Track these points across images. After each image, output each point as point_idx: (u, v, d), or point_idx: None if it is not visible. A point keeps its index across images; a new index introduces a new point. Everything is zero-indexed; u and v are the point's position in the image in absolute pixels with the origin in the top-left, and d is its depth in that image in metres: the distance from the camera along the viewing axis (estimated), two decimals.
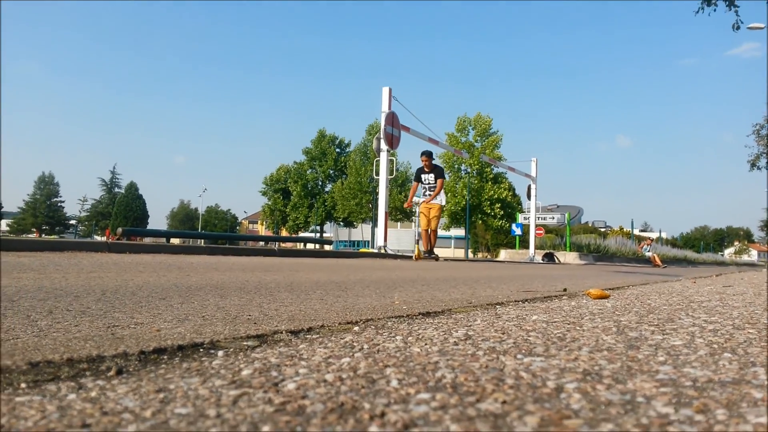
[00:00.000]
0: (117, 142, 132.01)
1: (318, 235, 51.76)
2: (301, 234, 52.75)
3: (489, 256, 37.83)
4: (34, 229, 67.53)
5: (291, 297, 2.86)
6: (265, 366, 0.96)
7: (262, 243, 28.48)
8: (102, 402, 0.74)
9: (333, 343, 1.17)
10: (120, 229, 7.73)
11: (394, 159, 15.72)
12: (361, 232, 55.27)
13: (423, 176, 12.57)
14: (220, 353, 1.02)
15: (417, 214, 12.43)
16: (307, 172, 53.77)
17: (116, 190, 75.10)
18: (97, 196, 76.84)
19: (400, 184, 44.18)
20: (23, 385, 0.76)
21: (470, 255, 38.05)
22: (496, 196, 40.63)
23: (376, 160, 14.66)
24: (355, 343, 1.19)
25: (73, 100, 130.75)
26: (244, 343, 1.09)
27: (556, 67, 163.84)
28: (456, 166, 41.86)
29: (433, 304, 1.93)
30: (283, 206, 55.72)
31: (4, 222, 69.07)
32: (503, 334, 1.43)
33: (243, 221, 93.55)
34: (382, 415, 0.71)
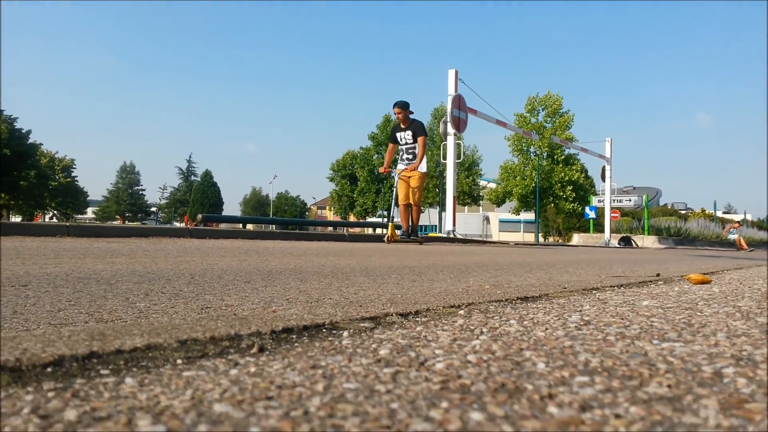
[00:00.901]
0: (192, 132, 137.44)
1: (386, 220, 52.10)
2: (369, 219, 53.26)
3: (561, 241, 36.90)
4: (118, 216, 71.53)
5: (368, 281, 2.90)
6: (398, 347, 0.97)
7: (330, 228, 28.99)
8: (269, 377, 0.77)
9: (449, 326, 1.17)
10: (200, 216, 8.10)
11: (461, 143, 15.54)
12: (428, 216, 55.18)
13: (399, 135, 9.51)
14: (345, 333, 1.05)
15: (395, 184, 9.58)
16: (374, 158, 54.03)
17: (192, 178, 78.29)
18: (175, 184, 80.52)
19: (467, 168, 43.68)
20: (179, 361, 0.81)
21: (541, 239, 37.23)
22: (567, 178, 39.44)
23: (443, 144, 14.55)
24: (471, 327, 1.19)
25: (150, 91, 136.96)
26: (361, 325, 1.12)
27: (628, 42, 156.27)
28: (525, 147, 40.93)
29: (523, 289, 1.90)
30: (350, 192, 56.35)
31: (90, 210, 73.44)
32: (622, 319, 1.40)
33: (312, 207, 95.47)
34: (551, 396, 0.71)
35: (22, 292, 1.91)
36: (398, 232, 9.72)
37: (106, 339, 0.79)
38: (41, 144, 47.67)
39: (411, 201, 9.36)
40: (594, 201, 29.72)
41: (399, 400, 0.68)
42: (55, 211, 57.15)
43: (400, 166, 9.41)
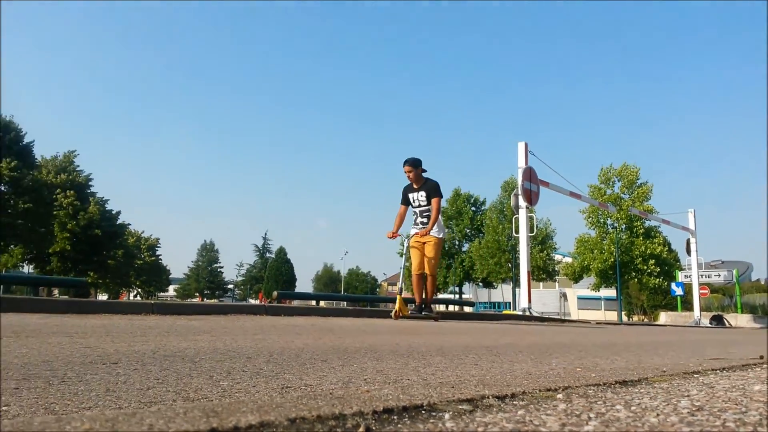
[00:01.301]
0: (268, 208, 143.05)
1: (456, 296, 51.28)
2: (440, 296, 52.63)
3: (646, 320, 34.85)
4: (197, 294, 74.20)
5: (444, 361, 2.83)
6: (505, 431, 0.94)
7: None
8: None
9: (551, 411, 1.12)
10: (275, 293, 8.31)
11: (534, 216, 15.35)
12: (501, 292, 53.89)
13: (411, 196, 8.39)
14: (446, 416, 1.02)
15: (406, 251, 8.55)
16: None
17: (267, 255, 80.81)
18: (252, 261, 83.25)
19: (541, 241, 42.79)
20: None
21: (624, 318, 35.31)
22: (648, 251, 37.72)
23: (515, 218, 14.40)
24: (576, 412, 1.13)
25: (228, 171, 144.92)
26: (460, 407, 1.09)
27: (706, 103, 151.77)
28: (602, 220, 39.77)
29: (619, 373, 1.80)
30: None
31: (171, 287, 76.62)
32: (736, 404, 1.30)
33: (382, 283, 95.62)
34: None
35: (113, 370, 1.99)
36: (410, 306, 8.65)
37: (220, 416, 0.81)
38: (129, 224, 50.90)
39: (426, 270, 8.21)
40: (680, 276, 28.18)
41: None
42: (140, 289, 60.06)
43: (413, 231, 8.41)
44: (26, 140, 37.20)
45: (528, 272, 13.63)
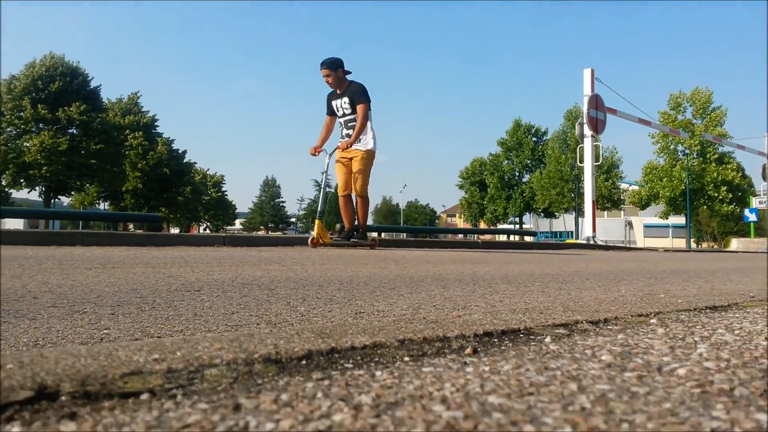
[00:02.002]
0: (326, 144, 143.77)
1: (516, 226, 50.83)
2: (500, 226, 52.30)
3: (716, 246, 33.61)
4: (262, 227, 76.73)
5: (511, 289, 2.85)
6: (614, 353, 0.94)
7: (460, 236, 28.87)
8: (511, 375, 0.78)
9: (652, 334, 1.12)
10: (338, 225, 8.45)
11: (599, 144, 14.80)
12: (563, 222, 52.98)
13: (334, 103, 7.10)
14: (547, 339, 1.04)
15: (326, 168, 7.29)
16: (504, 163, 53.09)
17: (327, 189, 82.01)
18: (312, 195, 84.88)
19: (606, 170, 41.39)
20: (407, 359, 0.85)
21: (693, 245, 34.15)
22: (721, 178, 35.90)
23: (580, 147, 13.95)
24: (678, 335, 1.12)
25: (284, 109, 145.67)
26: (556, 331, 1.10)
27: None
28: (672, 147, 37.93)
29: (704, 299, 1.76)
30: (480, 199, 55.78)
31: (238, 221, 79.36)
32: None
33: (441, 215, 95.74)
34: None
35: (198, 297, 2.12)
36: (333, 234, 7.59)
37: (333, 337, 0.86)
38: (195, 162, 52.54)
39: (354, 190, 6.99)
40: (754, 202, 26.79)
41: (668, 401, 0.67)
42: (208, 223, 62.64)
43: (338, 144, 7.11)
44: (93, 84, 38.44)
45: (593, 201, 13.29)
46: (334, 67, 6.87)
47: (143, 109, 45.89)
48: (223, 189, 63.03)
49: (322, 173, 7.52)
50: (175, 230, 53.49)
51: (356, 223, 7.31)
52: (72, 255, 4.21)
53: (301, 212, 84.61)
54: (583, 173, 13.80)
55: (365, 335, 0.89)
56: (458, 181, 59.14)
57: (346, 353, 0.81)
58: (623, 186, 44.56)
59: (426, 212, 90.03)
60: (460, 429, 0.55)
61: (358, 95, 6.84)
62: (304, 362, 0.77)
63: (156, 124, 46.40)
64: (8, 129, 35.96)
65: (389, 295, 2.41)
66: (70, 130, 36.57)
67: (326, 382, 0.70)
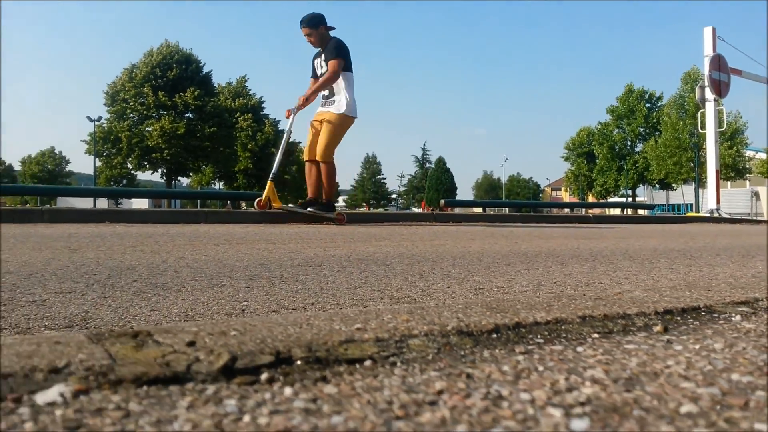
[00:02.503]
0: (425, 120, 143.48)
1: (629, 199, 48.17)
2: (611, 199, 49.79)
3: None
4: (364, 203, 78.24)
5: (635, 265, 2.71)
6: None
7: (567, 210, 27.83)
8: (728, 354, 0.75)
9: None
10: (442, 201, 8.45)
11: (722, 109, 13.60)
12: (681, 194, 49.49)
13: (315, 62, 6.54)
14: (736, 317, 0.98)
15: (288, 128, 6.91)
16: (614, 132, 50.27)
17: (427, 165, 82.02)
18: (412, 171, 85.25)
19: (730, 137, 38.03)
20: (595, 335, 0.83)
21: None
22: None
23: (701, 112, 12.89)
24: None
25: (383, 86, 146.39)
26: (740, 309, 1.04)
27: None
28: None
29: None
30: (588, 171, 53.37)
31: (341, 198, 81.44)
32: None
33: (546, 188, 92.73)
34: None
35: (320, 271, 2.20)
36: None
37: (503, 312, 0.87)
38: (300, 142, 54.39)
39: (317, 156, 6.31)
40: None
41: None
42: None
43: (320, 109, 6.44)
44: (205, 70, 40.72)
45: (716, 171, 12.29)
46: (314, 24, 6.27)
47: (250, 92, 48.01)
48: None
49: (286, 132, 6.93)
50: None
51: (323, 191, 6.58)
52: (199, 232, 4.52)
53: (402, 188, 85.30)
54: (704, 141, 12.77)
55: (540, 311, 0.89)
56: (564, 153, 56.90)
57: (531, 328, 0.81)
58: (749, 153, 40.83)
59: (529, 186, 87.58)
60: (731, 405, 0.54)
61: (331, 51, 6.17)
62: (494, 336, 0.78)
63: (263, 105, 48.43)
64: (132, 115, 39.03)
65: (506, 271, 2.37)
66: (187, 115, 39.06)
67: (536, 356, 0.71)
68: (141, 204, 46.58)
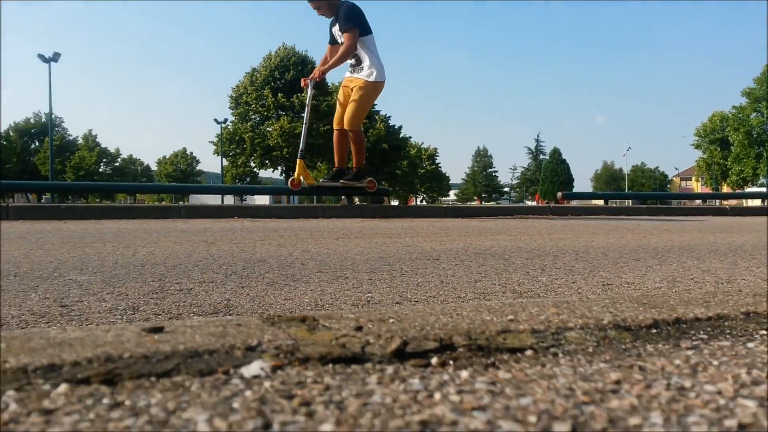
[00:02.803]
0: (539, 110, 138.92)
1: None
2: (748, 189, 45.41)
3: None
4: (475, 197, 77.38)
5: None
6: None
7: (698, 201, 25.72)
8: None
9: None
10: (560, 194, 8.16)
11: None
12: None
13: (333, 30, 6.25)
14: None
15: (309, 100, 6.70)
16: (751, 117, 45.74)
17: (541, 156, 79.50)
18: (525, 163, 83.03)
19: None
20: (762, 332, 0.79)
21: None
22: None
23: None
24: None
25: (495, 78, 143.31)
26: None
27: None
28: None
29: None
30: (721, 159, 49.07)
31: (452, 192, 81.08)
32: None
33: (674, 178, 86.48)
34: None
35: (438, 265, 2.21)
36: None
37: (656, 307, 0.85)
38: (410, 137, 54.84)
39: (345, 124, 6.14)
40: None
41: None
42: (424, 195, 65.16)
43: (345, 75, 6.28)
44: None
45: None
46: None
47: None
48: (436, 161, 64.83)
49: (307, 107, 6.72)
50: (394, 203, 56.72)
51: (352, 162, 6.49)
52: (318, 226, 4.71)
53: (515, 181, 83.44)
54: None
55: (698, 307, 0.84)
56: (694, 140, 52.73)
57: (692, 324, 0.78)
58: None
59: (655, 176, 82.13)
60: None
61: (344, 21, 5.91)
62: (654, 331, 0.77)
63: (374, 102, 49.42)
64: (254, 117, 41.36)
65: (635, 266, 2.25)
66: (303, 114, 40.85)
67: (705, 351, 0.69)
68: (263, 200, 49.33)
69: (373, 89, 6.05)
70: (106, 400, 0.49)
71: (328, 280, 1.80)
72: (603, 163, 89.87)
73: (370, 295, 1.58)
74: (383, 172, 48.88)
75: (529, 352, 0.66)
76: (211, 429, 0.43)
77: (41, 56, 27.55)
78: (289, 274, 1.93)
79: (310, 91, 6.48)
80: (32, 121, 56.44)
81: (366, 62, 5.96)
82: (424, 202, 64.20)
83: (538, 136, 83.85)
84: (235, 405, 0.48)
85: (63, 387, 0.50)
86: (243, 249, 2.73)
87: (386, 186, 48.96)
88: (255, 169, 43.87)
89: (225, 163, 43.02)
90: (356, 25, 5.87)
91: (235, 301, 1.45)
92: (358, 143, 6.30)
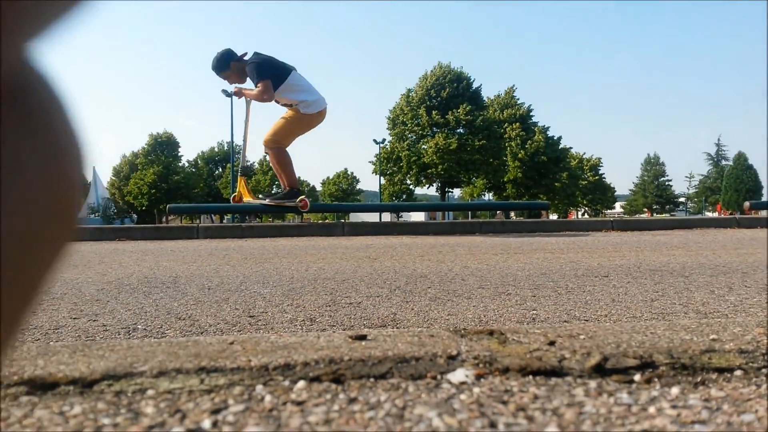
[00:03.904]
0: (720, 112, 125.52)
1: None
2: None
3: None
4: (645, 209, 71.65)
5: None
6: None
7: None
8: None
9: None
10: (747, 204, 7.26)
11: None
12: None
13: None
14: None
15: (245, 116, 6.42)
16: None
17: (723, 162, 71.61)
18: (704, 171, 75.21)
19: None
20: None
21: None
22: None
23: None
24: None
25: (658, 81, 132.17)
26: None
27: None
28: None
29: None
30: None
31: (618, 204, 75.87)
32: None
33: None
34: None
35: (608, 282, 2.09)
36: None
37: None
38: (571, 148, 52.57)
39: (264, 139, 5.99)
40: None
41: None
42: (587, 208, 61.85)
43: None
44: (474, 85, 42.30)
45: None
46: (223, 66, 5.77)
47: (519, 101, 48.21)
48: (600, 172, 61.30)
49: (244, 122, 6.45)
50: (553, 216, 54.56)
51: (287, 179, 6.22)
52: (476, 242, 4.69)
53: (692, 190, 76.07)
54: None
55: None
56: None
57: None
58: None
59: None
60: None
61: (256, 78, 5.70)
62: None
63: (531, 114, 48.15)
64: (410, 135, 42.46)
65: None
66: (458, 130, 41.03)
67: None
68: (418, 217, 50.29)
69: (304, 119, 5.94)
70: (342, 396, 0.55)
71: (490, 296, 1.79)
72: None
73: (534, 312, 1.54)
74: (541, 185, 47.37)
75: (738, 372, 0.63)
76: (444, 424, 0.47)
77: (225, 91, 30.93)
78: (450, 289, 1.95)
79: (247, 111, 6.42)
80: (215, 149, 63.35)
81: (294, 103, 5.87)
82: (586, 216, 60.93)
83: (719, 140, 75.52)
84: (456, 406, 0.52)
85: (301, 383, 0.58)
86: (404, 265, 2.82)
87: (543, 199, 47.32)
88: (411, 186, 44.91)
89: (383, 181, 44.64)
90: (266, 77, 5.75)
91: (401, 315, 1.50)
92: (279, 161, 6.13)
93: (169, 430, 0.47)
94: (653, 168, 73.46)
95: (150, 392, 0.55)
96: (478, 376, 0.59)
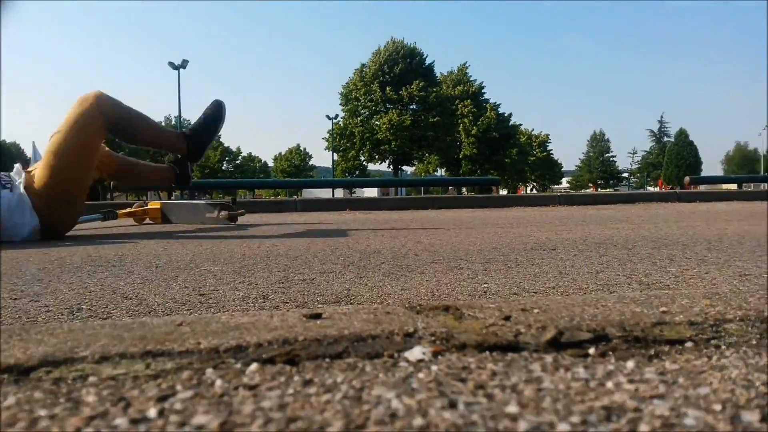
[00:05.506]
0: (662, 89, 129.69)
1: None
2: None
3: None
4: (591, 184, 73.80)
5: None
6: None
7: None
8: None
9: None
10: (687, 178, 7.57)
11: None
12: None
13: None
14: None
15: None
16: None
17: (665, 139, 74.20)
18: (647, 147, 77.83)
19: None
20: None
21: None
22: None
23: None
24: None
25: (609, 62, 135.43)
26: None
27: None
28: None
29: None
30: None
31: (564, 180, 77.80)
32: None
33: None
34: None
35: (555, 255, 2.15)
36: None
37: None
38: (520, 124, 53.39)
39: None
40: None
41: None
42: (535, 183, 63.23)
43: None
44: (427, 61, 42.24)
45: None
46: None
47: (471, 78, 48.49)
48: (548, 148, 62.62)
49: None
50: (503, 192, 55.55)
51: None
52: (428, 217, 4.73)
53: (634, 166, 78.67)
54: None
55: None
56: None
57: None
58: None
59: None
60: None
61: None
62: None
63: (483, 90, 48.55)
64: (363, 111, 42.20)
65: None
66: (411, 107, 41.02)
67: None
68: (371, 193, 50.33)
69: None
70: (296, 378, 0.54)
71: (442, 271, 1.81)
72: (736, 143, 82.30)
73: (486, 285, 1.57)
74: (492, 161, 48.04)
75: (689, 344, 0.65)
76: (403, 406, 0.46)
77: (171, 64, 29.91)
78: (403, 264, 1.96)
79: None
80: (163, 124, 61.44)
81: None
82: (534, 191, 62.32)
83: (661, 117, 78.07)
84: (414, 385, 0.51)
85: (254, 366, 0.56)
86: (357, 241, 2.81)
87: (495, 175, 48.10)
88: (364, 163, 44.80)
89: (335, 157, 44.34)
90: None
91: (354, 290, 1.50)
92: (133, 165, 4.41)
93: (111, 420, 0.44)
94: (599, 144, 75.53)
95: (92, 379, 0.53)
96: (436, 353, 0.59)
